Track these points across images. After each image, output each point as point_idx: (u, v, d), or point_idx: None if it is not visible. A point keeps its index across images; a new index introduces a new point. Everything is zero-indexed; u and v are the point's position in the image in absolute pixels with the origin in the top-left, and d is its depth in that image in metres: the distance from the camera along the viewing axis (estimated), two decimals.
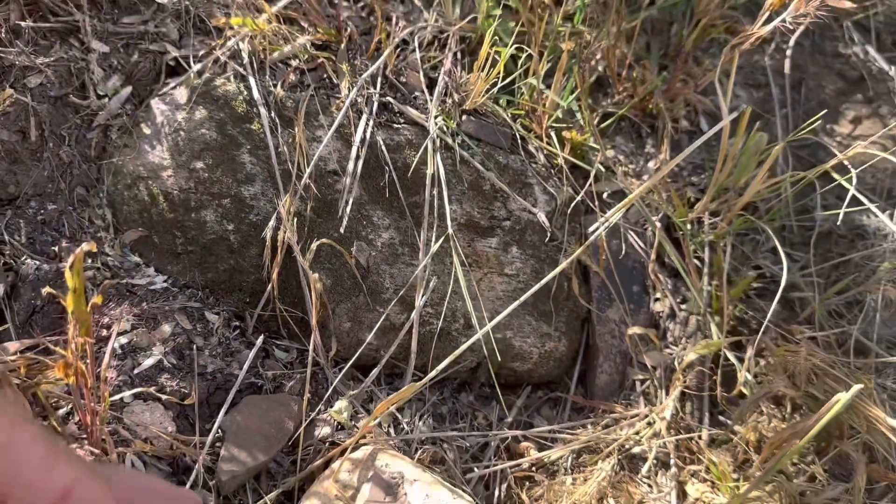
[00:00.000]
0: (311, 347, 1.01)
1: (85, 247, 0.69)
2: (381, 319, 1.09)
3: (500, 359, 1.14)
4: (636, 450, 1.11)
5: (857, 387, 0.79)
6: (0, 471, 0.39)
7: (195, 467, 0.90)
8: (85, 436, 0.86)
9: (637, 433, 1.12)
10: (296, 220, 1.05)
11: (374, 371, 1.08)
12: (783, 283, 1.02)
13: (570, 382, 1.24)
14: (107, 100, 1.11)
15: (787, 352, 1.04)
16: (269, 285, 1.05)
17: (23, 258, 0.99)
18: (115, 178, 1.09)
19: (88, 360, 0.81)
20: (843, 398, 0.80)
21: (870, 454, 1.00)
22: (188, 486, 0.88)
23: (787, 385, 0.99)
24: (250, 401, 0.99)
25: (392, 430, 1.06)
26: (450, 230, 1.05)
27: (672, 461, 1.10)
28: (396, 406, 1.06)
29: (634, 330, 1.17)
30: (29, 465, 0.40)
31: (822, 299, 1.16)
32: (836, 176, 1.12)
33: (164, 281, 1.05)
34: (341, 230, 1.08)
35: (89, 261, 1.02)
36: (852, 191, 1.08)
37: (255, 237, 1.07)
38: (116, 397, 0.89)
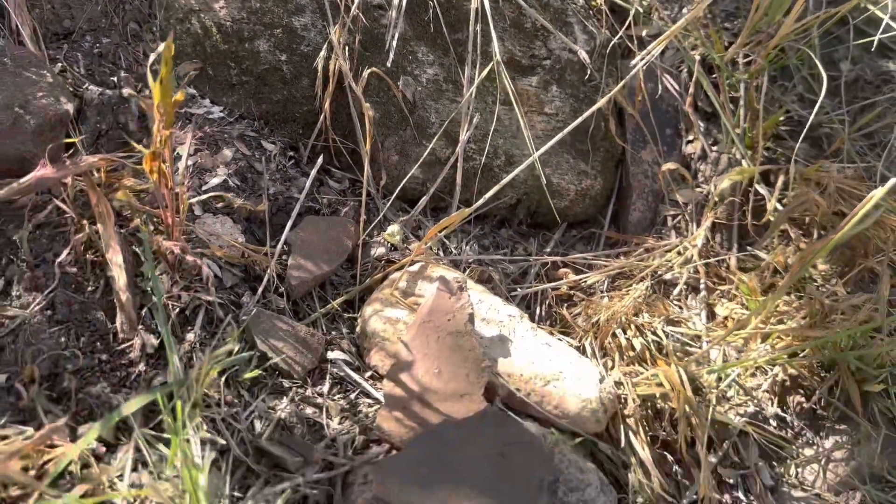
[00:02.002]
0: (364, 174, 1.05)
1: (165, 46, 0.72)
2: (426, 153, 1.14)
3: (538, 195, 1.20)
4: (668, 276, 1.18)
5: (893, 180, 0.84)
6: None
7: (266, 275, 0.96)
8: (166, 236, 0.91)
9: (669, 261, 1.18)
10: (346, 49, 1.08)
11: (423, 200, 1.14)
12: (815, 110, 1.06)
13: (603, 221, 1.30)
14: None
15: (819, 171, 1.09)
16: (322, 115, 1.09)
17: (85, 85, 1.03)
18: (166, 12, 1.11)
19: (168, 164, 0.86)
20: (878, 192, 0.84)
21: (893, 267, 1.06)
22: (260, 290, 0.95)
23: (818, 197, 1.04)
24: (311, 220, 1.05)
25: (441, 254, 1.12)
26: (497, 56, 1.08)
27: (702, 284, 1.17)
28: (444, 234, 1.12)
29: (668, 166, 1.22)
30: None
31: (851, 131, 1.21)
32: (870, 7, 1.14)
33: (221, 111, 1.09)
34: (388, 64, 1.11)
35: (147, 91, 1.06)
36: (878, 35, 1.11)
37: (307, 68, 1.10)
38: (194, 200, 0.94)
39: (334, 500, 0.78)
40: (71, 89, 1.02)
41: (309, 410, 0.87)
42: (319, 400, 0.88)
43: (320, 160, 1.06)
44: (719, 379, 1.05)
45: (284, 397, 0.86)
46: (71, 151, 0.98)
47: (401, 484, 0.76)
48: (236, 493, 0.76)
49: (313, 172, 1.06)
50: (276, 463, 0.79)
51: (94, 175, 0.92)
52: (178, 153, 1.01)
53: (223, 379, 0.84)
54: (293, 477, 0.78)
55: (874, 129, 1.23)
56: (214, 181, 1.01)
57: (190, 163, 1.02)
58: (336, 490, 0.79)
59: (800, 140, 1.16)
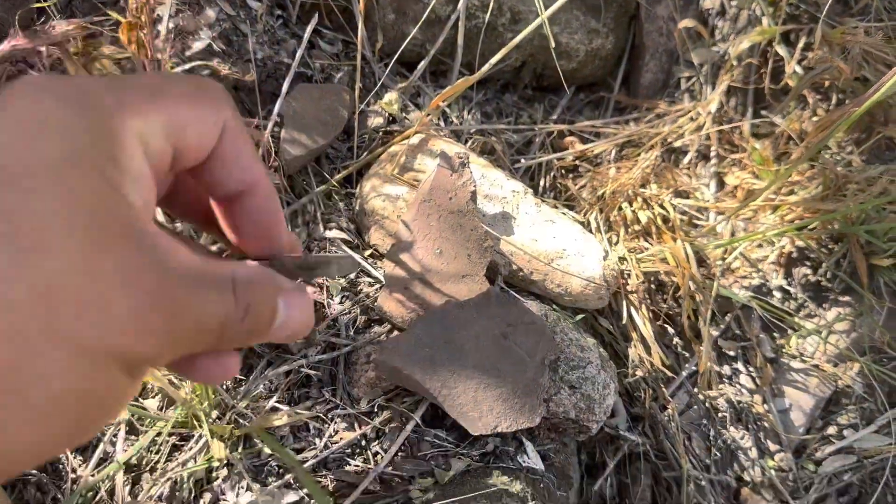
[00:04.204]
0: (359, 34, 0.98)
1: None
2: (427, 11, 1.05)
3: (545, 56, 1.12)
4: (678, 143, 1.14)
5: None
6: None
7: (259, 149, 0.91)
8: None
9: (680, 127, 1.13)
10: None
11: (422, 65, 1.06)
12: None
13: (613, 83, 1.23)
14: None
15: (844, 33, 1.01)
16: None
17: None
18: None
19: (146, 31, 0.79)
20: None
21: None
22: None
23: (840, 63, 0.98)
24: (303, 88, 0.99)
25: (442, 123, 1.07)
26: None
27: (713, 152, 1.12)
28: (445, 103, 1.06)
29: (685, 23, 1.13)
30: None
31: None
32: None
33: None
34: None
35: None
36: None
37: None
38: (178, 70, 0.88)
39: (337, 380, 0.79)
40: None
41: (309, 290, 0.86)
42: (319, 280, 0.87)
43: (314, 21, 0.98)
44: (725, 252, 1.03)
45: None
46: (43, 18, 0.91)
47: (403, 364, 0.76)
48: (239, 375, 0.76)
49: (307, 34, 0.98)
50: (278, 345, 0.79)
51: (69, 43, 0.86)
52: (157, 14, 0.94)
53: None
54: (295, 358, 0.79)
55: None
56: (198, 45, 0.94)
57: (171, 25, 0.94)
58: (339, 370, 0.80)
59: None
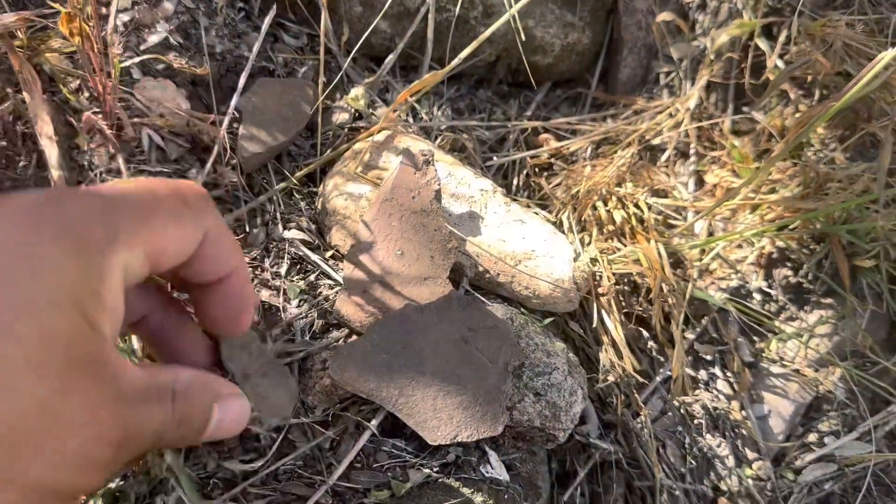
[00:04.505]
0: (322, 26, 0.94)
1: None
2: (395, 3, 1.02)
3: (520, 51, 1.09)
4: (656, 140, 1.10)
5: None
6: None
7: (214, 146, 0.88)
8: (98, 109, 0.83)
9: (658, 124, 1.10)
10: None
11: (389, 58, 1.03)
12: None
13: (591, 79, 1.20)
14: None
15: (825, 26, 0.98)
16: None
17: None
18: None
19: (93, 23, 0.76)
20: (888, 54, 0.75)
21: None
22: (209, 164, 0.87)
23: (821, 57, 0.94)
24: (264, 83, 0.95)
25: (411, 120, 1.04)
26: None
27: (692, 150, 1.09)
28: (414, 98, 1.03)
29: (663, 16, 1.10)
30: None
31: None
32: None
33: None
34: None
35: None
36: None
37: None
38: (127, 63, 0.84)
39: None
40: None
41: (266, 293, 0.82)
42: (277, 282, 0.83)
43: (272, 12, 0.95)
44: (702, 252, 1.00)
45: None
46: None
47: (359, 370, 0.73)
48: None
49: (264, 27, 0.95)
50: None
51: (14, 36, 0.82)
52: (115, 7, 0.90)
53: None
54: None
55: None
56: (153, 39, 0.91)
57: (126, 18, 0.91)
58: (293, 376, 0.76)
59: None
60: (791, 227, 0.97)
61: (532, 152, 1.07)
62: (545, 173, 1.07)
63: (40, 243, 0.31)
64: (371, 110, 1.00)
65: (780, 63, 1.06)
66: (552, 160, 1.07)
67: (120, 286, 0.35)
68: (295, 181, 0.91)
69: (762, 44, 1.07)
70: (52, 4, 0.78)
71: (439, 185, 0.85)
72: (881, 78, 0.78)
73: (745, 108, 1.11)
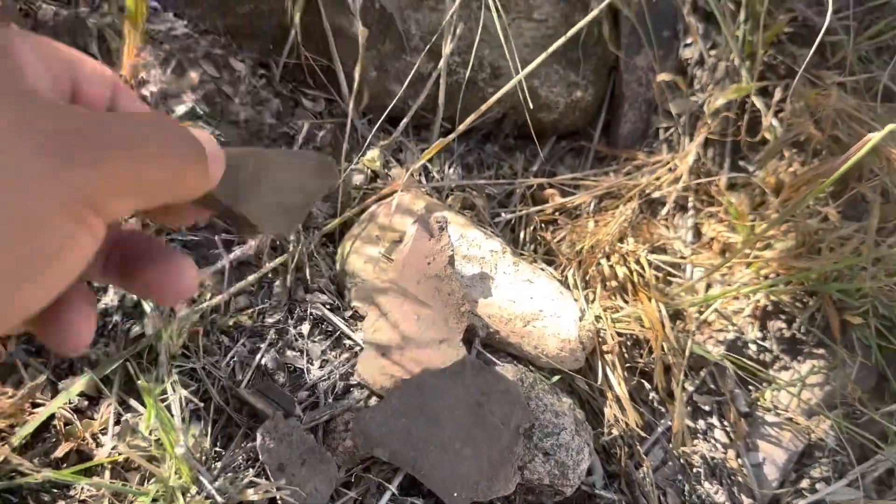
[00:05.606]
0: (346, 95, 1.00)
1: None
2: (411, 69, 1.07)
3: (525, 107, 1.14)
4: (656, 194, 1.15)
5: (890, 126, 0.80)
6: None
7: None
8: None
9: (658, 178, 1.15)
10: None
11: (404, 122, 1.08)
12: (825, 25, 0.98)
13: (593, 132, 1.25)
14: None
15: (819, 95, 1.03)
16: (293, 30, 1.02)
17: (37, 3, 0.95)
18: None
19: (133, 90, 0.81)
20: (875, 136, 0.80)
21: (884, 195, 1.03)
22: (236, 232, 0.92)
23: (813, 128, 1.00)
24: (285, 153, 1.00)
25: (423, 179, 1.09)
26: None
27: (690, 204, 1.14)
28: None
29: (663, 76, 1.15)
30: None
31: (857, 42, 1.13)
32: None
33: (185, 26, 1.02)
34: None
35: (105, 6, 0.98)
36: None
37: None
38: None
39: (315, 448, 0.81)
40: (24, 9, 0.95)
41: (290, 354, 0.87)
42: (300, 343, 0.89)
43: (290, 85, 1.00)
44: (701, 308, 1.05)
45: (263, 342, 0.87)
46: None
47: (380, 434, 0.78)
48: (217, 448, 0.78)
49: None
50: (256, 414, 0.81)
51: None
52: (142, 77, 0.95)
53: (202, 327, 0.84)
54: None
55: (884, 37, 1.16)
56: (181, 109, 0.96)
57: (154, 89, 0.96)
58: (317, 437, 0.81)
59: (811, 52, 1.09)
60: (785, 283, 1.03)
61: (538, 208, 1.12)
62: (551, 227, 1.12)
63: None
64: (386, 170, 1.06)
65: (775, 122, 1.11)
66: (557, 215, 1.13)
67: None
68: (315, 244, 0.96)
69: (758, 102, 1.12)
70: None
71: (453, 250, 0.90)
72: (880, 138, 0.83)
73: (742, 163, 1.16)
